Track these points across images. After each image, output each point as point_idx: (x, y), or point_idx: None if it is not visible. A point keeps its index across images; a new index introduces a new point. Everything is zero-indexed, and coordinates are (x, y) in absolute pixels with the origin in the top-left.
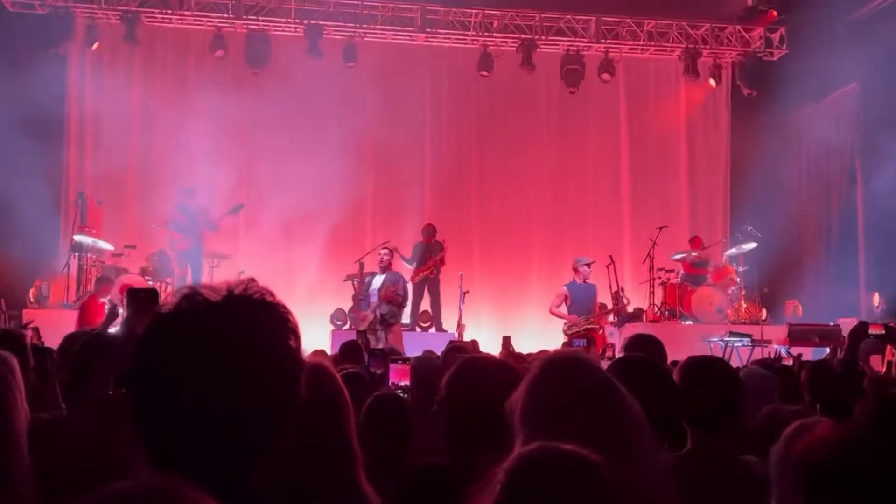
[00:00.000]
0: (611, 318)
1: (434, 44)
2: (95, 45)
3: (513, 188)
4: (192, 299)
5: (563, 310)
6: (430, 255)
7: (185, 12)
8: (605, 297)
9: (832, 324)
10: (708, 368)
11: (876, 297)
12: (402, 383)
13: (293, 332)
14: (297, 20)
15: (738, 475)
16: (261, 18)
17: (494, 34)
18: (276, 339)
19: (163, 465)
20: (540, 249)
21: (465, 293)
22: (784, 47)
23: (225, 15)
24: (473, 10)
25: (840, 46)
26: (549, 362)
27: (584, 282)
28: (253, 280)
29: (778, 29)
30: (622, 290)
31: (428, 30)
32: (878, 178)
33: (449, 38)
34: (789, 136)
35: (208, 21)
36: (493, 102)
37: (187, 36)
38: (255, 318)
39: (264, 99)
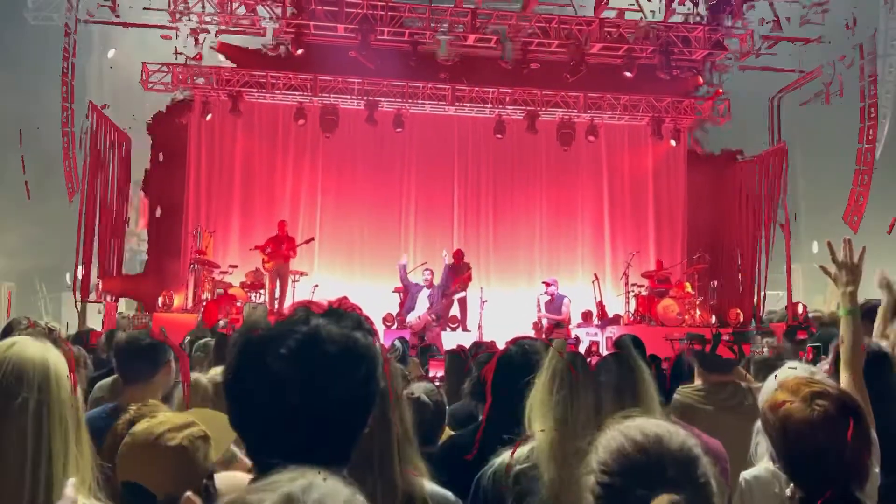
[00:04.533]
0: (595, 321)
1: (461, 114)
2: (209, 116)
3: (520, 222)
4: (303, 311)
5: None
6: (460, 275)
7: (276, 91)
8: (591, 306)
9: (765, 327)
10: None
11: (800, 306)
12: (439, 374)
13: (376, 337)
14: (359, 97)
15: None
16: (332, 95)
17: (507, 106)
18: (364, 341)
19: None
20: (540, 269)
21: (483, 302)
22: (728, 116)
23: (305, 93)
24: (491, 89)
25: (770, 115)
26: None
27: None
28: (346, 298)
29: (723, 101)
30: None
31: (457, 104)
32: (801, 214)
33: (472, 110)
34: (731, 182)
35: (293, 98)
36: (505, 158)
37: (277, 109)
38: (349, 325)
39: (334, 155)
